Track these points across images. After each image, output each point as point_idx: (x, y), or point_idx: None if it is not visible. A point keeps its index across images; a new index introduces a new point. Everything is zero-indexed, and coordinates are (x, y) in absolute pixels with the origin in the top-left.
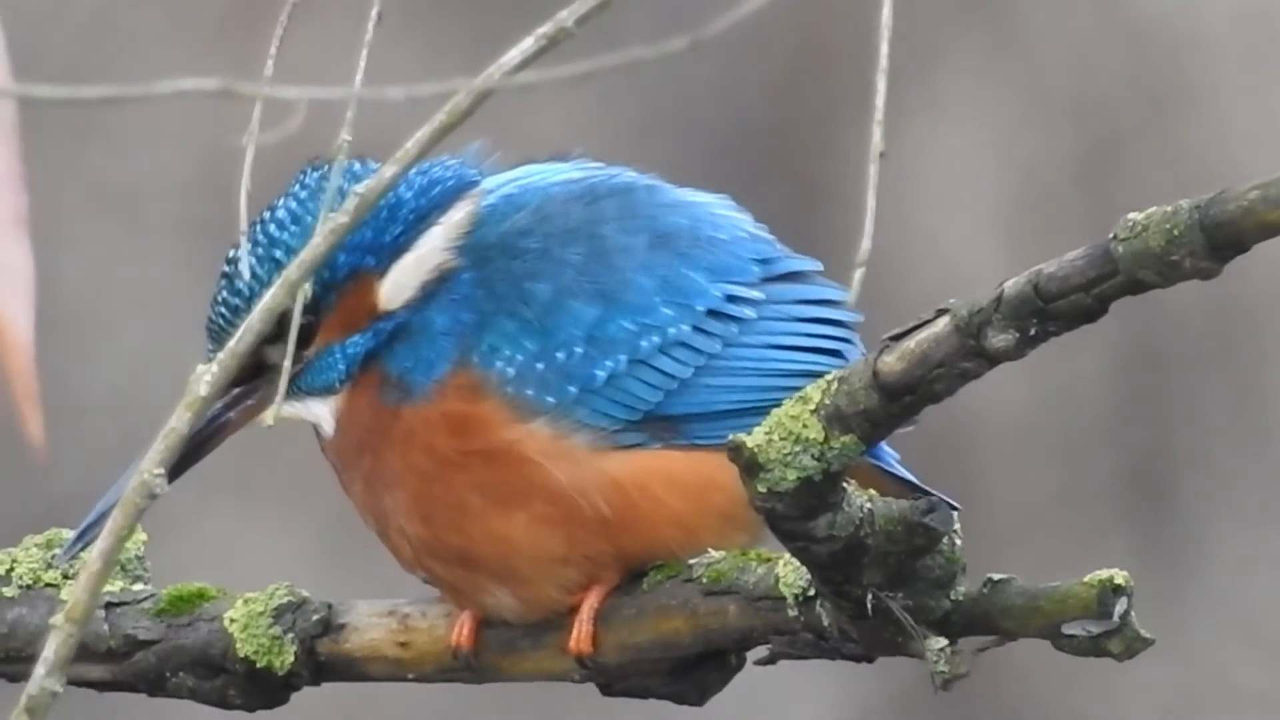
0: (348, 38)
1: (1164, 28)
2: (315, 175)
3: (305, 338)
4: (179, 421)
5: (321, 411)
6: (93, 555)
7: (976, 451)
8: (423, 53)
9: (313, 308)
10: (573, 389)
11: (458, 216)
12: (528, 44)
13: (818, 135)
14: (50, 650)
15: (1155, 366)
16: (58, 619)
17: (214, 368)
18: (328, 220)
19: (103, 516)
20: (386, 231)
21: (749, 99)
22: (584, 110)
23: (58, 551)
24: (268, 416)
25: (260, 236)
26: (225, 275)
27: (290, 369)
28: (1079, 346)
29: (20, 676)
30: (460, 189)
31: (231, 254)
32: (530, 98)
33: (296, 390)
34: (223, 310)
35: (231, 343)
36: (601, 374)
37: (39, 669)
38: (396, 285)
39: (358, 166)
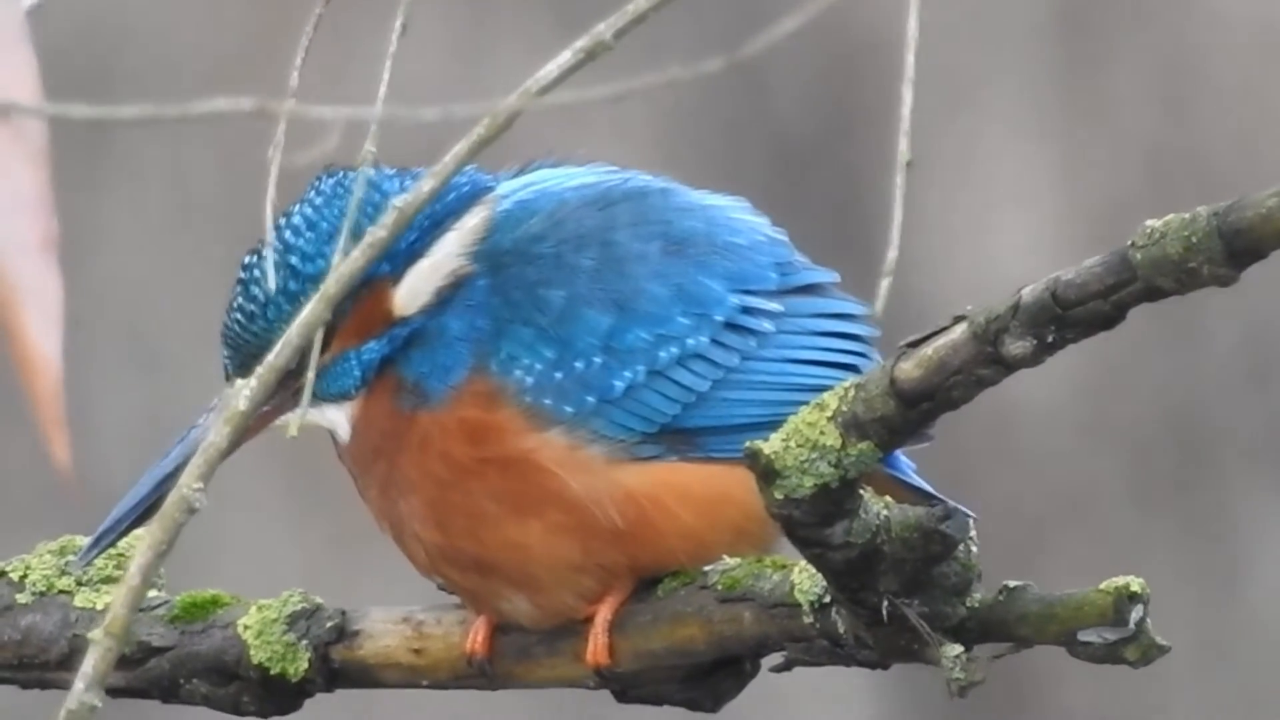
0: (383, 17)
1: (1236, 49)
2: (331, 181)
3: (321, 344)
4: (219, 436)
5: (337, 417)
6: (131, 570)
7: (1019, 442)
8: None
9: None
10: (590, 399)
11: (473, 222)
12: (565, 58)
13: (865, 139)
14: (89, 665)
15: (1201, 357)
16: (96, 634)
17: (253, 382)
18: (366, 234)
19: (118, 523)
20: (402, 237)
21: (792, 102)
22: (627, 111)
23: (71, 558)
24: (291, 427)
25: (276, 243)
26: (241, 282)
27: (313, 378)
28: (1125, 338)
29: (33, 683)
30: (475, 194)
31: (247, 261)
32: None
33: (313, 396)
34: (239, 317)
35: (270, 356)
36: (620, 385)
37: (78, 683)
38: (412, 291)
39: (373, 174)
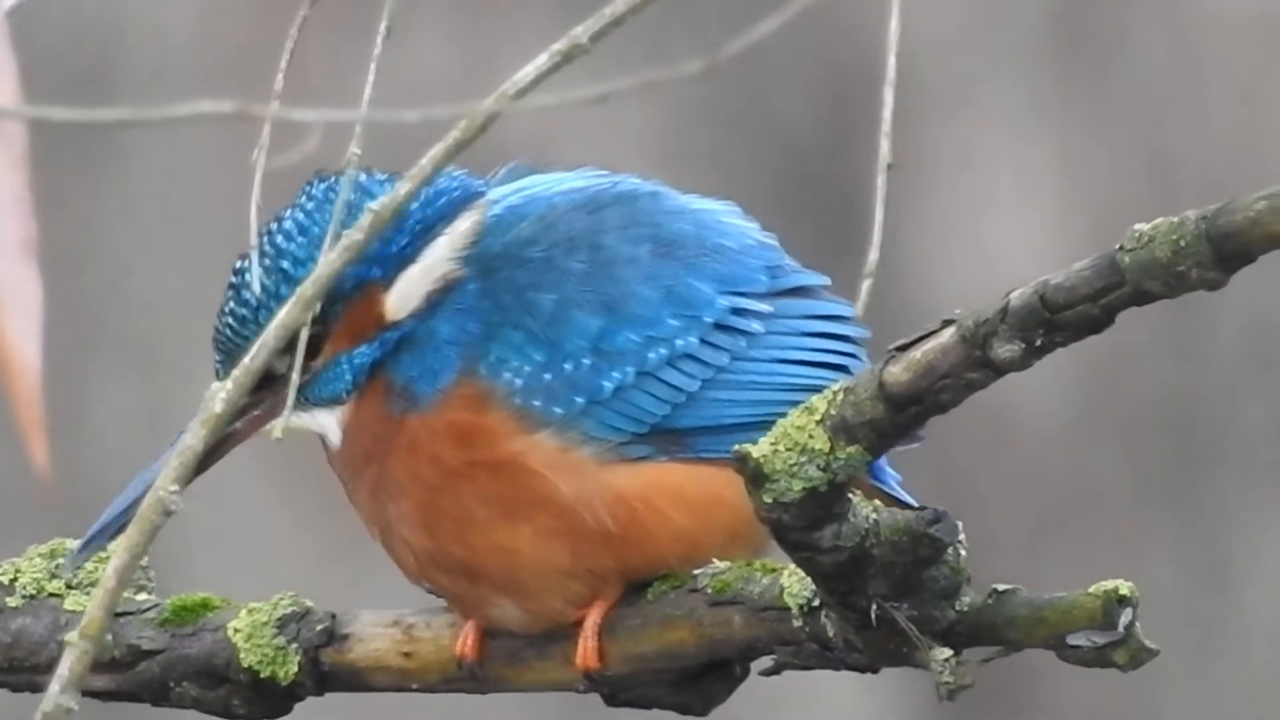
0: (395, 16)
1: (1236, 50)
2: (322, 186)
3: (313, 349)
4: (195, 439)
5: (328, 422)
6: (107, 573)
7: (1017, 440)
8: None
9: (320, 319)
10: (580, 400)
11: (463, 227)
12: (541, 60)
13: (866, 141)
14: (65, 667)
15: (1200, 355)
16: (72, 636)
17: (229, 384)
18: (343, 236)
19: (108, 526)
20: (393, 242)
21: (793, 104)
22: (628, 112)
23: (61, 561)
24: (276, 430)
25: (267, 247)
26: (232, 286)
27: (298, 382)
28: (1124, 337)
29: (23, 686)
30: (466, 199)
31: (238, 265)
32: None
33: (304, 401)
34: (230, 321)
35: (246, 359)
36: (609, 385)
37: (54, 685)
38: (403, 296)
39: (364, 178)
